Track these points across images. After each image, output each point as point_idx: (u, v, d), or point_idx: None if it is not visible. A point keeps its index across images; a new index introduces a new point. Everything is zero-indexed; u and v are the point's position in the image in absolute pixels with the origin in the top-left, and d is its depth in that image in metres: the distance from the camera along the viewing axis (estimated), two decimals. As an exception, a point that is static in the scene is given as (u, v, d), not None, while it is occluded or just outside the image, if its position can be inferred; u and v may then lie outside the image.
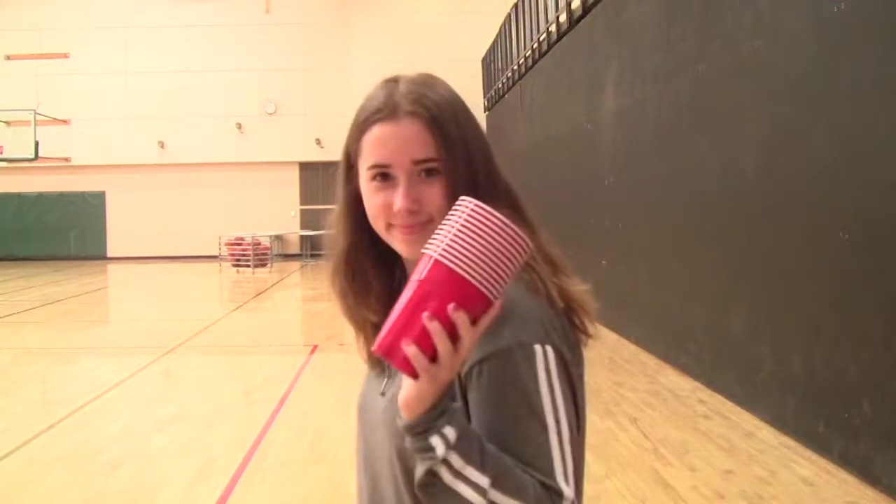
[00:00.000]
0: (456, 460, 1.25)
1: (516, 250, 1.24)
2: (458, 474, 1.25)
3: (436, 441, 1.25)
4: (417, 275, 1.24)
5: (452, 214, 1.27)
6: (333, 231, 1.59)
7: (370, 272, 1.56)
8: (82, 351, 12.67)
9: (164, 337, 13.10)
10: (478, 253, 1.22)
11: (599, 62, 13.10)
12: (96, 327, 16.14)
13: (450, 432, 1.25)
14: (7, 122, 28.40)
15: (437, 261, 1.23)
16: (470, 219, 1.24)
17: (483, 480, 1.25)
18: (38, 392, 9.66)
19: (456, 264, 1.22)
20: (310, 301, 19.05)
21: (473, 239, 1.22)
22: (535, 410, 1.32)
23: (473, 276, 1.21)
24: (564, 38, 15.66)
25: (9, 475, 6.41)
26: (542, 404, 1.33)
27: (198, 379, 10.35)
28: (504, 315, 1.29)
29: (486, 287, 1.22)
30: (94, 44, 30.85)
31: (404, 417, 1.28)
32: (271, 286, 22.02)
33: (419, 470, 1.27)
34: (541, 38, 17.81)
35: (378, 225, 1.49)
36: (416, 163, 1.44)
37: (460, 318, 1.21)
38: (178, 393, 9.53)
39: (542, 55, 17.93)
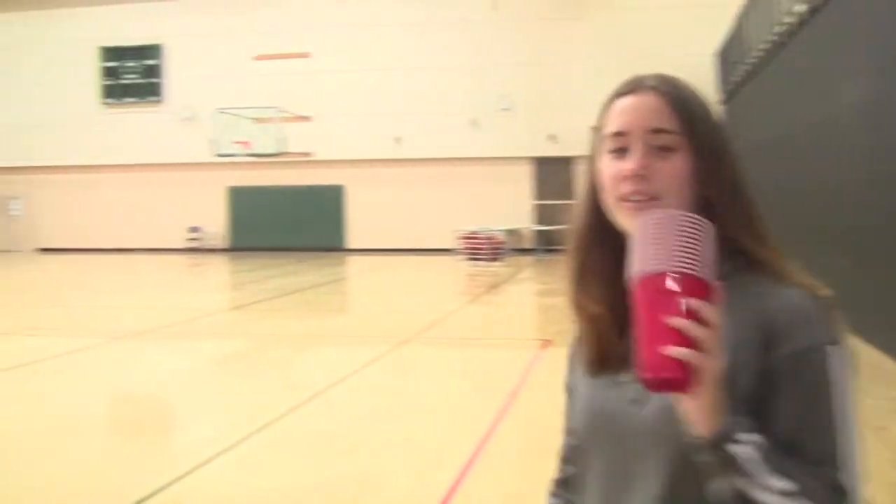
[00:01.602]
0: (759, 469, 1.26)
1: (696, 228, 1.26)
2: (761, 484, 1.26)
3: (738, 451, 1.26)
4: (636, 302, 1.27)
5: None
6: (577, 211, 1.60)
7: (595, 252, 1.56)
8: (320, 339, 13.09)
9: (398, 327, 13.36)
10: (663, 244, 1.25)
11: (842, 52, 12.42)
12: (334, 316, 16.68)
13: (748, 441, 1.27)
14: (255, 120, 29.81)
15: (641, 276, 1.27)
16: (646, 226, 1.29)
17: (788, 486, 1.26)
18: (280, 377, 10.02)
19: (655, 265, 1.25)
20: (543, 296, 19.00)
21: (654, 236, 1.27)
22: (845, 411, 1.34)
23: (678, 266, 1.24)
24: (805, 27, 14.96)
25: (250, 456, 6.65)
26: (849, 405, 1.35)
27: (429, 370, 10.47)
28: (803, 313, 1.35)
29: (694, 270, 1.24)
30: (335, 43, 31.91)
31: (698, 432, 1.28)
32: (504, 280, 22.14)
33: (719, 482, 1.29)
34: (780, 29, 17.09)
35: (609, 198, 1.49)
36: (652, 131, 1.44)
37: (696, 304, 1.22)
38: (410, 383, 9.66)
39: (780, 46, 17.22)
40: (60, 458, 6.58)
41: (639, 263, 1.28)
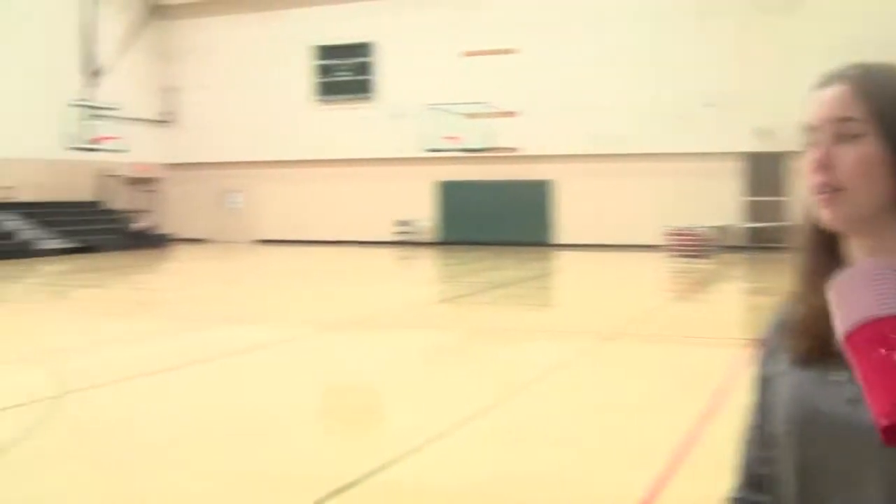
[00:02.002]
0: None
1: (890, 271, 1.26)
2: None
3: None
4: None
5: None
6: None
7: (819, 248, 1.54)
8: (527, 332, 13.20)
9: (603, 323, 13.34)
10: (869, 292, 1.25)
11: None
12: (540, 310, 16.78)
13: None
14: (463, 115, 30.27)
15: (856, 327, 1.25)
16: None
17: None
18: (486, 370, 10.18)
19: (870, 312, 1.24)
20: (752, 294, 18.54)
21: (857, 286, 1.28)
22: None
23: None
24: None
25: (455, 446, 6.81)
26: None
27: (634, 366, 10.42)
28: None
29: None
30: (542, 39, 31.96)
31: None
32: (712, 278, 21.72)
33: None
34: None
35: (810, 194, 1.48)
36: (837, 121, 1.43)
37: None
38: (614, 379, 9.64)
39: None
40: (272, 444, 6.93)
41: (850, 316, 1.26)
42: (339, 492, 5.61)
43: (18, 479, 6.07)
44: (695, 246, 25.78)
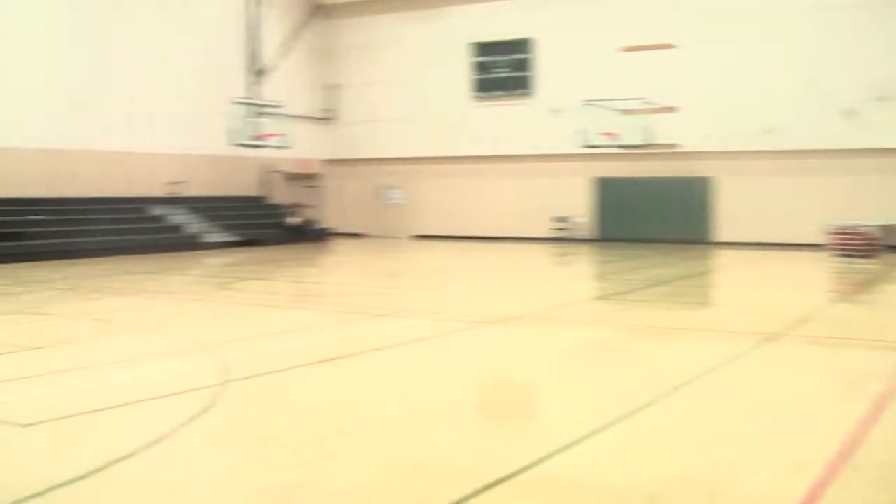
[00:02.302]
0: None
1: None
2: None
3: None
4: None
5: None
6: None
7: None
8: (684, 331, 13.01)
9: (763, 323, 13.02)
10: None
11: None
12: (699, 309, 16.50)
13: None
14: (621, 111, 29.95)
15: None
16: None
17: None
18: (641, 368, 10.07)
19: None
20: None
21: None
22: None
23: None
24: None
25: (607, 445, 6.77)
26: None
27: (794, 367, 10.13)
28: None
29: None
30: (700, 33, 31.32)
31: None
32: (878, 278, 20.93)
33: None
34: None
35: None
36: None
37: None
38: (773, 380, 9.38)
39: None
40: (428, 436, 7.02)
41: None
42: (492, 485, 5.65)
43: (179, 463, 6.32)
44: (859, 245, 24.88)
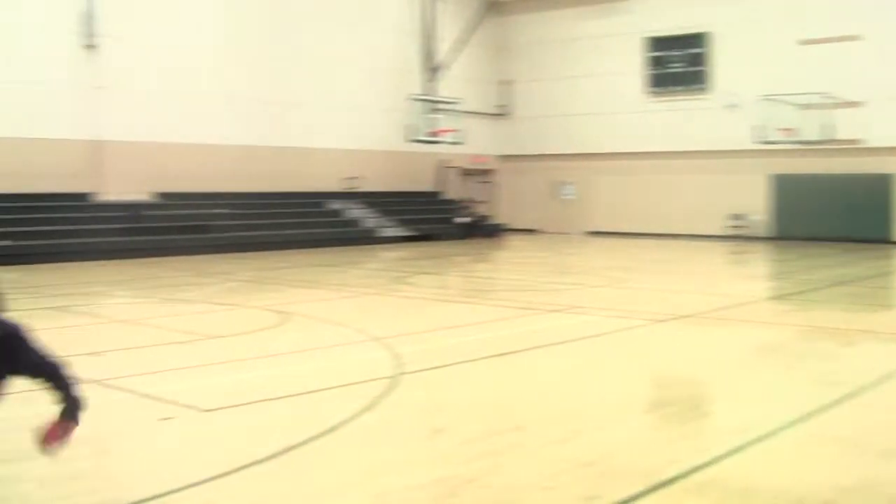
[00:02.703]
0: None
1: None
2: None
3: None
4: None
5: None
6: None
7: None
8: (865, 333, 12.54)
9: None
10: None
11: None
12: (881, 311, 15.88)
13: None
14: (800, 106, 29.05)
15: None
16: None
17: None
18: (818, 371, 9.78)
19: None
20: None
21: None
22: None
23: None
24: None
25: (778, 450, 6.62)
26: None
27: None
28: None
29: None
30: (886, 24, 30.01)
31: None
32: None
33: None
34: None
35: None
36: None
37: None
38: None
39: None
40: (598, 433, 7.02)
41: None
42: (662, 485, 5.62)
43: (351, 453, 6.51)
44: None
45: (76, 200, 26.62)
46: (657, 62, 35.33)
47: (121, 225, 25.91)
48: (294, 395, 8.32)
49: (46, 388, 4.26)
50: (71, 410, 4.23)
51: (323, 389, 8.55)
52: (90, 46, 27.12)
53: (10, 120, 25.14)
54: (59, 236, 24.40)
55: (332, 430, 6.96)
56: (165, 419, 7.40)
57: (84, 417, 7.44)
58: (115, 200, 26.98)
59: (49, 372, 4.22)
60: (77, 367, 9.37)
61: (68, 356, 9.68)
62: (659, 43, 35.18)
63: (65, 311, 14.31)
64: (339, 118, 32.79)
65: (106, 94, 27.22)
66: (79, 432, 7.05)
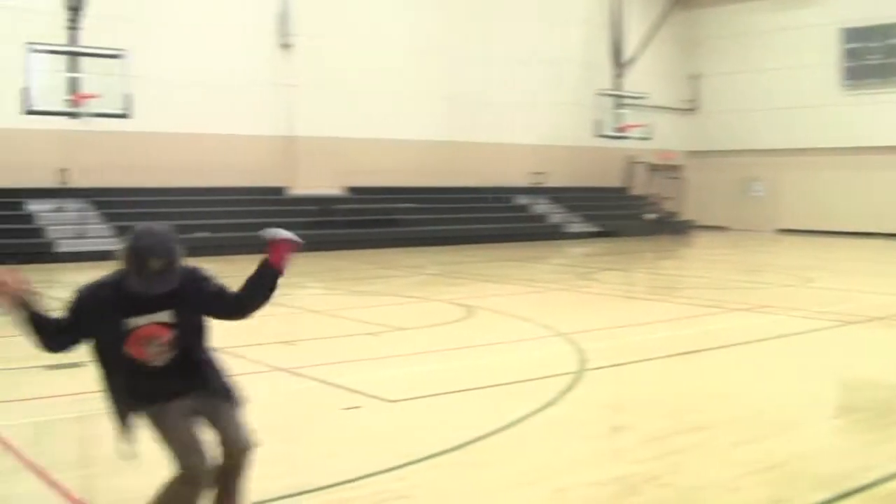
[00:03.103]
0: None
1: None
2: None
3: None
4: None
5: None
6: None
7: None
8: None
9: None
10: None
11: None
12: None
13: None
14: None
15: None
16: None
17: None
18: None
19: None
20: None
21: None
22: None
23: None
24: None
25: None
26: None
27: None
28: None
29: None
30: None
31: None
32: None
33: None
34: None
35: None
36: None
37: None
38: None
39: None
40: (784, 436, 6.81)
41: None
42: (854, 492, 5.43)
43: (531, 447, 6.54)
44: None
45: (271, 194, 27.68)
46: (853, 54, 33.88)
47: (312, 219, 26.76)
48: (478, 389, 8.41)
49: (241, 306, 4.49)
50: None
51: (506, 384, 8.63)
52: (285, 46, 28.15)
53: (211, 117, 26.35)
54: (254, 229, 25.22)
55: (514, 424, 7.01)
56: (351, 408, 7.62)
57: (273, 405, 7.73)
58: (307, 194, 27.90)
59: (233, 295, 4.49)
60: (271, 356, 9.78)
61: (262, 344, 10.10)
62: (855, 34, 33.70)
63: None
64: (527, 113, 32.89)
65: (299, 92, 28.19)
66: (268, 419, 7.36)
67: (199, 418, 4.41)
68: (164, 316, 4.26)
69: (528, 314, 13.19)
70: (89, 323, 4.21)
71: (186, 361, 4.36)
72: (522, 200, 32.50)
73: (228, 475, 4.46)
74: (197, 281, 4.37)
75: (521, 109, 32.68)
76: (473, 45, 31.55)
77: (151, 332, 4.23)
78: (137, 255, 4.09)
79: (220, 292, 4.45)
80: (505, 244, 27.73)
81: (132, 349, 4.23)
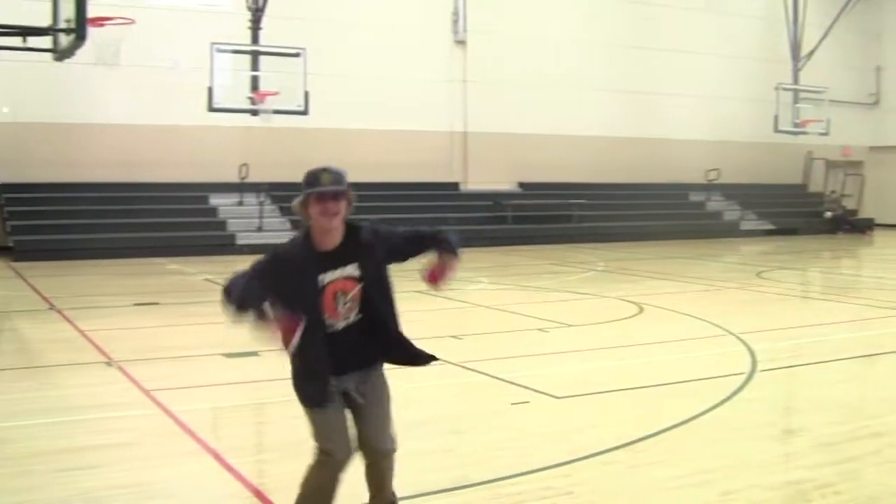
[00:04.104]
0: None
1: None
2: None
3: None
4: None
5: None
6: None
7: None
8: None
9: None
10: None
11: None
12: None
13: None
14: None
15: None
16: None
17: None
18: None
19: None
20: None
21: None
22: None
23: None
24: None
25: None
26: None
27: None
28: None
29: None
30: None
31: None
32: None
33: None
34: None
35: None
36: None
37: None
38: None
39: None
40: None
41: None
42: None
43: (698, 448, 6.46)
44: None
45: (446, 189, 28.05)
46: None
47: (484, 214, 26.97)
48: (646, 387, 8.34)
49: (423, 251, 4.59)
50: (449, 249, 4.49)
51: (675, 382, 8.54)
52: (459, 42, 28.44)
53: (385, 113, 26.88)
54: (428, 224, 25.66)
55: (682, 423, 6.94)
56: (518, 403, 7.64)
57: (442, 398, 7.83)
58: (480, 190, 28.12)
59: (413, 234, 4.63)
60: (440, 349, 9.90)
61: (432, 338, 10.26)
62: None
63: (428, 295, 15.01)
64: (702, 108, 32.24)
65: (472, 88, 28.44)
66: (437, 411, 7.46)
67: (349, 403, 4.40)
68: (351, 269, 4.35)
69: (700, 312, 12.95)
70: (284, 282, 4.29)
71: (372, 325, 4.40)
72: (697, 197, 31.89)
73: (370, 474, 4.51)
74: (378, 233, 4.49)
75: (696, 104, 32.04)
76: (647, 39, 31.12)
77: (341, 287, 4.32)
78: (311, 173, 4.28)
79: (406, 239, 4.62)
80: (678, 241, 27.27)
81: (326, 308, 4.32)
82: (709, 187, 32.10)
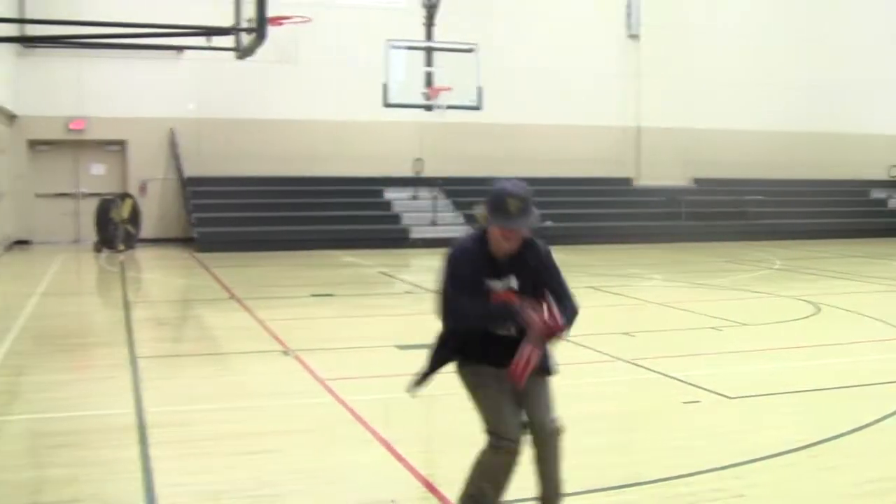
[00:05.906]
0: None
1: None
2: None
3: None
4: None
5: None
6: None
7: None
8: None
9: None
10: None
11: None
12: None
13: None
14: None
15: None
16: None
17: None
18: None
19: None
20: None
21: None
22: None
23: None
24: None
25: None
26: None
27: None
28: None
29: None
30: None
31: None
32: None
33: None
34: None
35: None
36: None
37: None
38: None
39: None
40: None
41: None
42: None
43: (876, 455, 6.22)
44: None
45: (618, 185, 27.82)
46: None
47: (658, 210, 26.61)
48: (822, 389, 8.08)
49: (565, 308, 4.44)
50: (536, 337, 4.29)
51: (854, 385, 8.26)
52: (633, 36, 28.12)
53: (558, 108, 26.85)
54: (600, 219, 25.70)
55: (863, 428, 6.71)
56: (691, 402, 7.52)
57: (614, 394, 7.78)
58: (654, 186, 27.76)
59: (563, 293, 4.49)
60: (610, 346, 9.85)
61: (605, 334, 10.17)
62: None
63: (600, 291, 14.98)
64: (885, 101, 30.83)
65: (645, 82, 28.10)
66: (609, 408, 7.42)
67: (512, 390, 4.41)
68: (513, 282, 4.41)
69: (881, 314, 12.45)
70: (462, 278, 4.36)
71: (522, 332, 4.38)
72: (878, 194, 30.58)
73: (539, 459, 4.49)
74: (539, 254, 4.47)
75: (878, 97, 30.68)
76: (824, 28, 29.97)
77: (507, 297, 4.38)
78: (497, 196, 4.30)
79: (555, 282, 4.51)
80: (857, 240, 26.21)
81: None
82: (891, 184, 30.74)
